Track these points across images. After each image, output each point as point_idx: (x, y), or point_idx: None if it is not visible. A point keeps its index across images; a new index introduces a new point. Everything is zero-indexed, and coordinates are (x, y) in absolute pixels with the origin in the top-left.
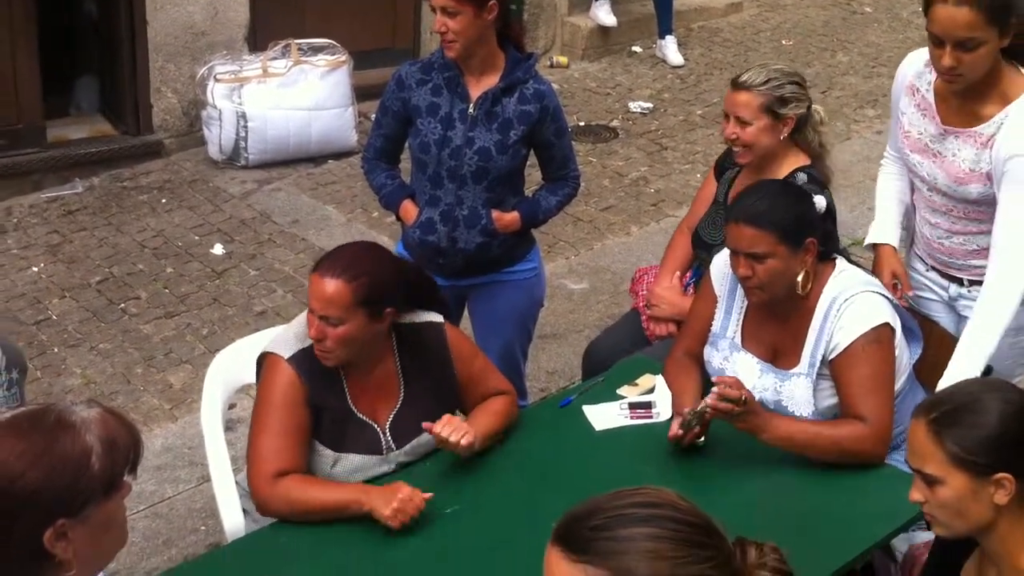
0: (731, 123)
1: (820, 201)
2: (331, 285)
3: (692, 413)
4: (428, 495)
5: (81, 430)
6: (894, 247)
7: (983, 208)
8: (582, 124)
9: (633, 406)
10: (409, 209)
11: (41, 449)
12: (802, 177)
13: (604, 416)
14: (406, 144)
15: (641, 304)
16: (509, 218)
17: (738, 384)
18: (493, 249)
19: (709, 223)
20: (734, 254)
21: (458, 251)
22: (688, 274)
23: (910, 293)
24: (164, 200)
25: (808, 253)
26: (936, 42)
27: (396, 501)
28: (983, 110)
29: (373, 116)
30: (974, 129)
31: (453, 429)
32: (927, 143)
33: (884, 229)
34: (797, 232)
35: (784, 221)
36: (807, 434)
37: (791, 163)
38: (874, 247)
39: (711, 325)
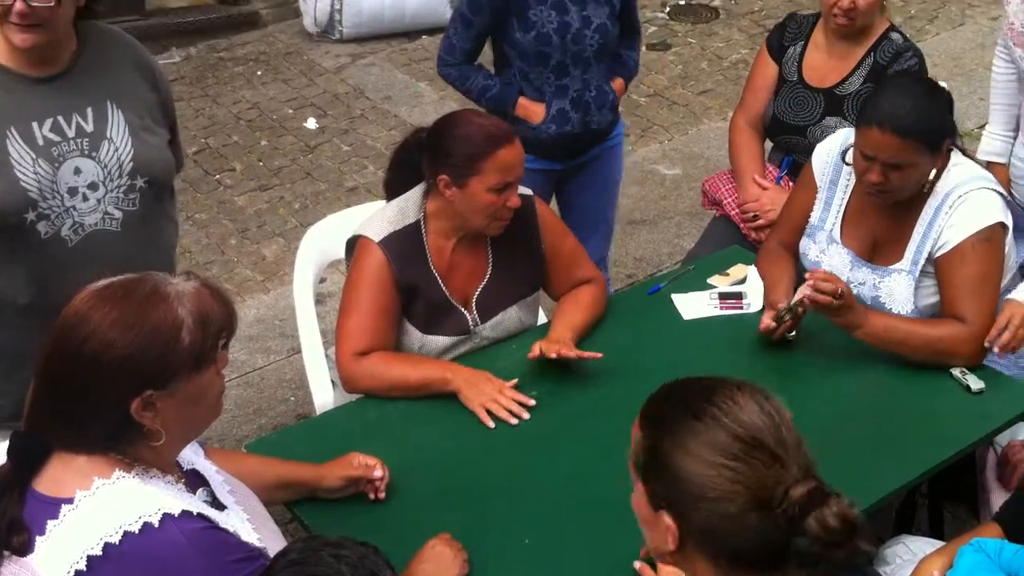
0: None
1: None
2: (518, 144)
3: (786, 308)
4: (513, 385)
5: (174, 302)
6: (1005, 165)
7: None
8: (682, 3)
9: (723, 296)
10: (530, 106)
11: (133, 319)
12: (897, 36)
13: (693, 305)
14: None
15: (734, 213)
16: (619, 86)
17: (834, 278)
18: (609, 121)
19: (788, 104)
20: (868, 159)
21: (591, 133)
22: (774, 169)
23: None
24: (259, 72)
25: (942, 155)
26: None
27: (486, 397)
28: None
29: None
30: None
31: (549, 346)
32: None
33: (994, 145)
34: (939, 137)
35: (929, 128)
36: (903, 331)
37: (880, 26)
38: (986, 163)
39: (808, 216)
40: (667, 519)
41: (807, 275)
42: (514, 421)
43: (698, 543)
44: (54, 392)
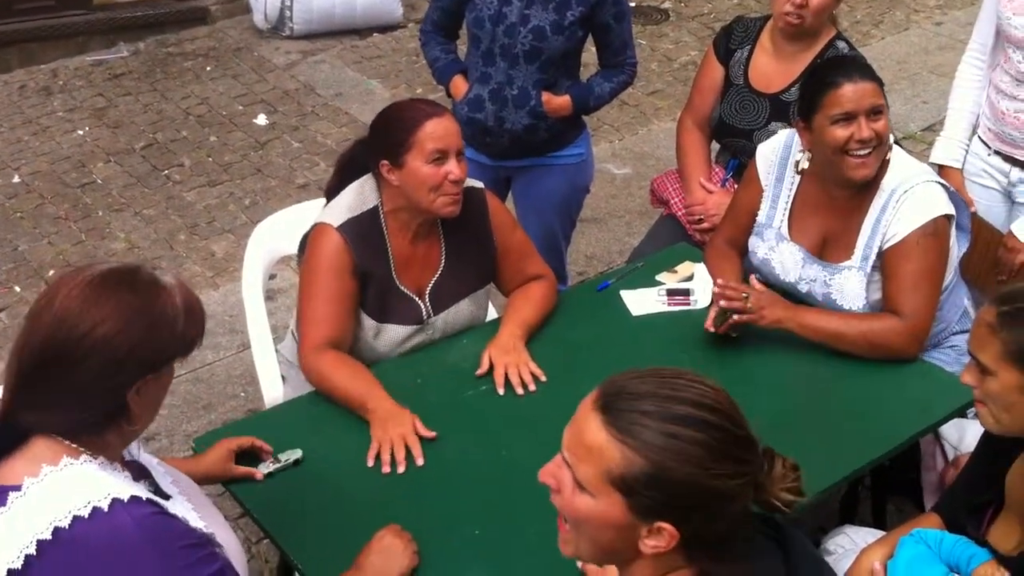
0: None
1: None
2: (450, 119)
3: (719, 313)
4: (431, 435)
5: (172, 292)
6: (960, 170)
7: None
8: (632, 5)
9: (671, 292)
10: (459, 85)
11: (140, 307)
12: (843, 45)
13: (642, 301)
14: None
15: (680, 214)
16: (559, 101)
17: (735, 286)
18: (540, 132)
19: (733, 108)
20: (850, 119)
21: (504, 131)
22: (720, 170)
23: (972, 208)
24: (209, 68)
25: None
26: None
27: (387, 437)
28: None
29: None
30: None
31: (499, 363)
32: None
33: (952, 150)
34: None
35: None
36: (835, 325)
37: (827, 34)
38: (939, 167)
39: (755, 215)
40: (665, 528)
41: (715, 289)
42: (401, 468)
43: (687, 543)
44: (46, 379)
